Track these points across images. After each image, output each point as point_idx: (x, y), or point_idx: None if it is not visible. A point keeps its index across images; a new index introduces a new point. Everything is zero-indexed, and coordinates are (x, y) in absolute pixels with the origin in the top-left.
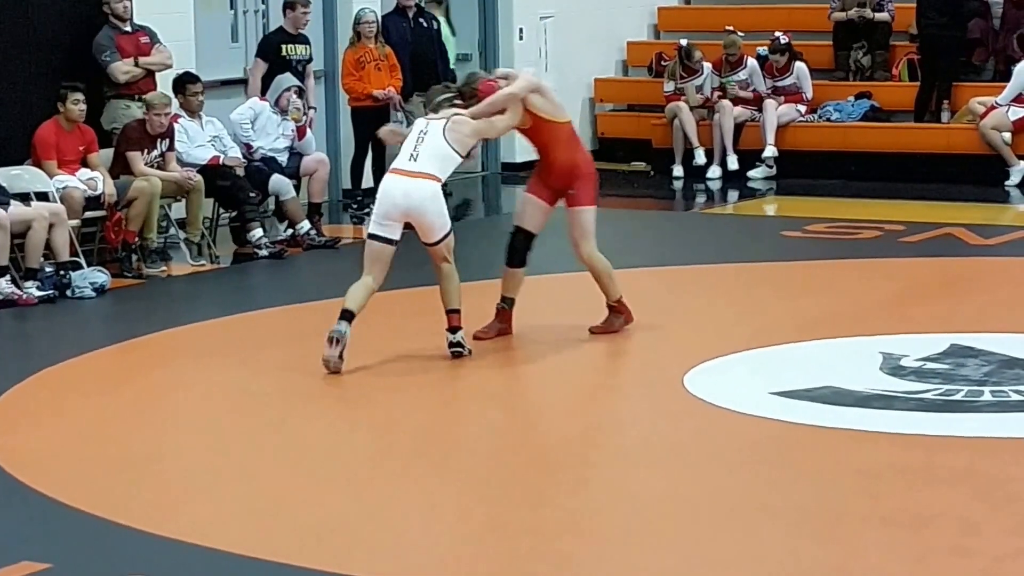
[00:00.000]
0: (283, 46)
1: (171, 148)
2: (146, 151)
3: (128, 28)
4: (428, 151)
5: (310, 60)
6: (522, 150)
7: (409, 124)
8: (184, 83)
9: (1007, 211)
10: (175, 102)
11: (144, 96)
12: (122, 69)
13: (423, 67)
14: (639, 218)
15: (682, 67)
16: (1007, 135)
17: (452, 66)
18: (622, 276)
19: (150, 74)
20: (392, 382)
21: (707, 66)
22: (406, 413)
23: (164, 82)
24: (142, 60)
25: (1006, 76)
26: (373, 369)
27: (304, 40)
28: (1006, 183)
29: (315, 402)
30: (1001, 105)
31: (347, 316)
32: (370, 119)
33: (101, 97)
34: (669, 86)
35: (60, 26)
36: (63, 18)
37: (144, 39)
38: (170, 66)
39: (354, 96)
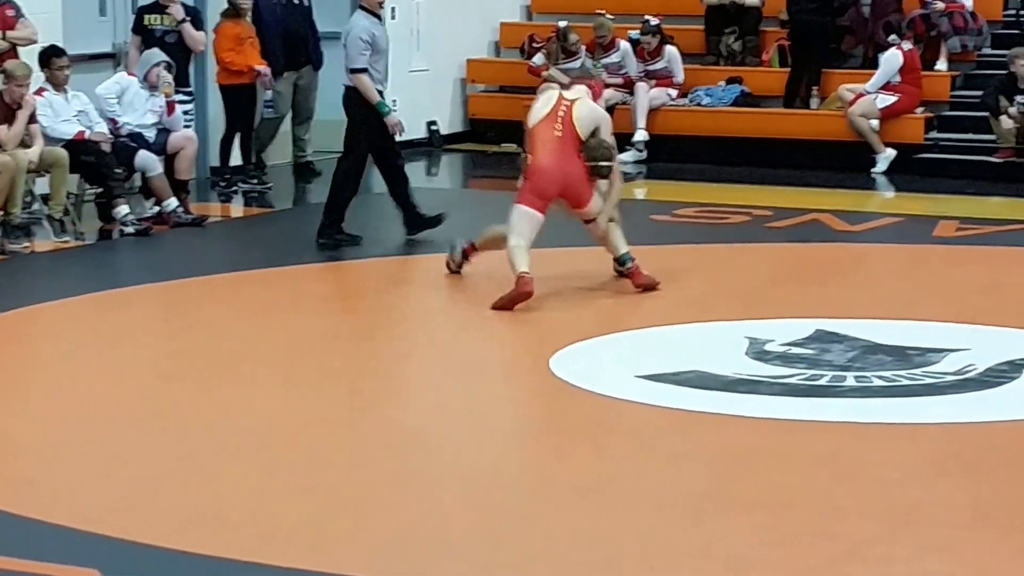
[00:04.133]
0: (145, 16)
1: (32, 120)
2: (8, 126)
3: None
4: None
5: (183, 21)
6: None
7: (276, 104)
8: (50, 57)
9: (873, 198)
10: (41, 75)
11: (4, 66)
12: None
13: (294, 45)
14: (509, 199)
15: (560, 50)
16: (875, 122)
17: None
18: (492, 258)
19: (13, 48)
20: (262, 361)
21: (583, 49)
22: (273, 393)
23: (29, 56)
24: (8, 34)
25: (875, 63)
26: (241, 348)
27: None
28: (873, 170)
29: (181, 381)
30: (869, 92)
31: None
32: (240, 96)
33: None
34: (539, 59)
35: None
36: None
37: (9, 12)
38: (35, 41)
39: (235, 69)
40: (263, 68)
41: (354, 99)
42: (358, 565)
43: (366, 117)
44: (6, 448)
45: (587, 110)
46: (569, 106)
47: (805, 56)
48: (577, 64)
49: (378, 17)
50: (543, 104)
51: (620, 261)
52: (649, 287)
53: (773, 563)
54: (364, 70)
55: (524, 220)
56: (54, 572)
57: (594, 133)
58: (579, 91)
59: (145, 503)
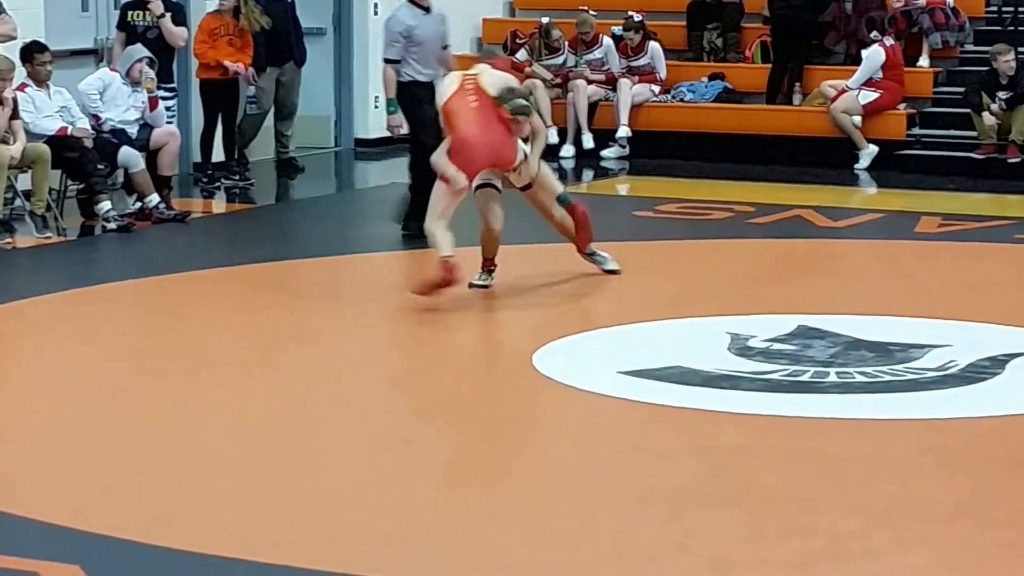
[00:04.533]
0: (129, 12)
1: (15, 116)
2: None
3: None
4: None
5: (162, 16)
6: (376, 127)
7: (259, 99)
8: (32, 52)
9: (856, 194)
10: (23, 71)
11: None
12: None
13: (277, 41)
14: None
15: (543, 46)
16: (857, 118)
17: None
18: (474, 253)
19: None
20: (244, 357)
21: (566, 45)
22: (254, 389)
23: (11, 51)
24: None
25: (857, 60)
26: (223, 344)
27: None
28: (855, 166)
29: (163, 377)
30: (852, 89)
31: None
32: (220, 92)
33: None
34: (522, 55)
35: None
36: None
37: None
38: (15, 37)
39: (204, 62)
40: (234, 65)
41: (401, 94)
42: (334, 561)
43: (411, 110)
44: None
45: (493, 76)
46: (475, 78)
47: (787, 52)
48: (559, 60)
49: (423, 8)
50: (448, 84)
51: (560, 200)
52: (584, 225)
53: (753, 559)
54: (394, 61)
55: (443, 196)
56: (36, 568)
57: None
58: (480, 67)
59: (128, 499)
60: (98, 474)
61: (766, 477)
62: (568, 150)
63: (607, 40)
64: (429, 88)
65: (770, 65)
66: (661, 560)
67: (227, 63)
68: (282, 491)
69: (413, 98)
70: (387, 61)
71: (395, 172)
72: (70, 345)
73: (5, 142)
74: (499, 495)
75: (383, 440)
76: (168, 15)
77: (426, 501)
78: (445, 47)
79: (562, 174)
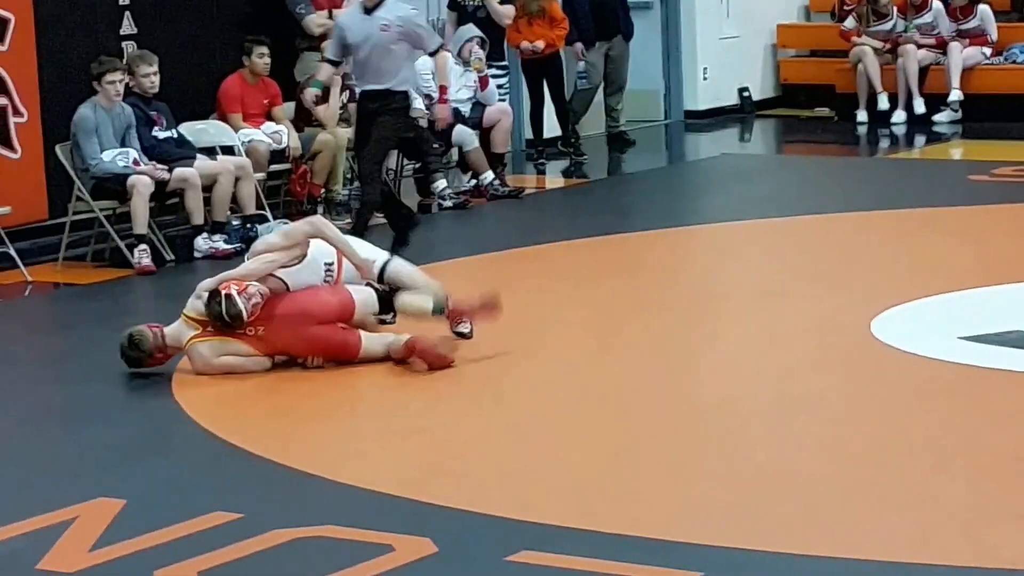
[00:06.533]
0: None
1: (352, 99)
2: (324, 105)
3: None
4: None
5: None
6: (704, 99)
7: (590, 75)
8: None
9: None
10: None
11: (320, 46)
12: (317, 22)
13: (605, 15)
14: (823, 164)
15: (872, 12)
16: None
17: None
18: (807, 222)
19: None
20: (575, 333)
21: (895, 10)
22: (584, 362)
23: None
24: (336, 12)
25: None
26: (557, 319)
27: None
28: None
29: (497, 354)
30: None
31: None
32: (538, 68)
33: (292, 49)
34: (850, 22)
35: None
36: None
37: None
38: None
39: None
40: (529, 45)
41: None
42: (675, 531)
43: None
44: (328, 418)
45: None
46: None
47: None
48: (888, 26)
49: (365, 9)
50: None
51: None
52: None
53: None
54: (332, 62)
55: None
56: (390, 541)
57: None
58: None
59: (466, 469)
60: (429, 447)
61: None
62: (900, 116)
63: (936, 4)
64: (373, 98)
65: None
66: (1002, 525)
67: (522, 45)
68: (610, 460)
69: (358, 111)
70: (325, 60)
71: (725, 143)
72: None
73: (346, 123)
74: (840, 460)
75: (724, 409)
76: None
77: (765, 468)
78: (432, 53)
79: (894, 140)
